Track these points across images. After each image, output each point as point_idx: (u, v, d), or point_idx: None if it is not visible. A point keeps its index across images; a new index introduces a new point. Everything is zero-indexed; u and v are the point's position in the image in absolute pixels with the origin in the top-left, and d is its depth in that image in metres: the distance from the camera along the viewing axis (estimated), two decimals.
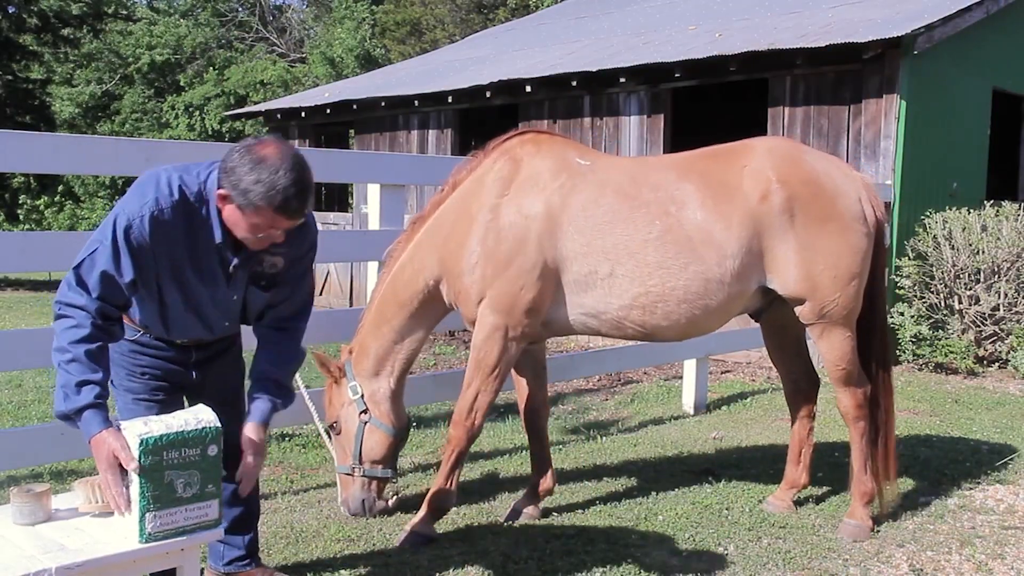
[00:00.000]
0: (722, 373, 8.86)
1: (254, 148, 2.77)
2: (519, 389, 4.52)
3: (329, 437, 4.46)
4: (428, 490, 4.19)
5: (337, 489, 4.42)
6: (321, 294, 14.55)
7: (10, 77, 21.03)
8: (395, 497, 4.44)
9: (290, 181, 2.72)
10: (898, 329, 8.84)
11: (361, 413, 4.19)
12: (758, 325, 4.70)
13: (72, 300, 2.75)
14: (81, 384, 2.64)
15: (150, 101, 31.81)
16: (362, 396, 4.20)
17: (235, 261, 2.96)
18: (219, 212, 2.85)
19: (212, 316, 3.08)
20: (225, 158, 2.80)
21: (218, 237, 2.88)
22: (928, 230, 9.18)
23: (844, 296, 4.14)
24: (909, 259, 9.10)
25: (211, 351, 3.24)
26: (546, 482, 4.46)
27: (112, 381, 3.02)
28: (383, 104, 13.89)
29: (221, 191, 2.79)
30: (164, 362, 3.13)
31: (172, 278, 2.92)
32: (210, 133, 29.98)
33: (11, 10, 20.76)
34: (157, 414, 2.78)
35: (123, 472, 2.58)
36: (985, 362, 8.96)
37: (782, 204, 4.04)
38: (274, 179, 2.71)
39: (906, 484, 5.05)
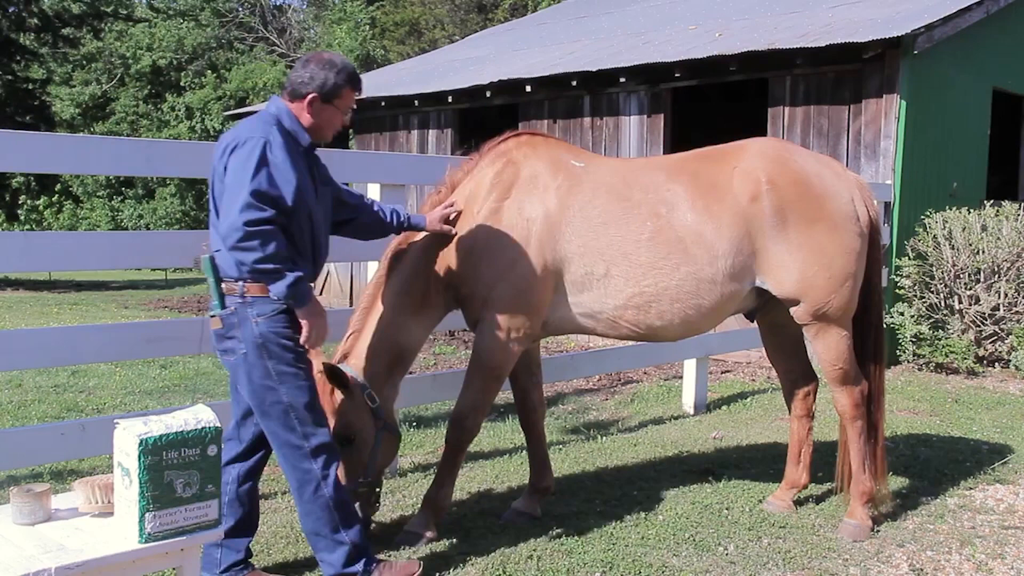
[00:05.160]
0: (722, 373, 8.86)
1: (309, 58, 3.44)
2: (515, 389, 4.51)
3: None
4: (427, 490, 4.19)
5: None
6: (321, 294, 14.56)
7: (10, 77, 21.03)
8: (377, 503, 4.16)
9: (347, 62, 3.47)
10: (898, 329, 8.85)
11: (377, 421, 3.89)
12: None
13: (257, 217, 3.10)
14: (288, 271, 3.16)
15: (145, 103, 31.80)
16: (379, 404, 3.89)
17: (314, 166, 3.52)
18: (296, 122, 3.36)
19: (321, 227, 3.47)
20: (290, 79, 3.41)
21: (305, 140, 3.40)
22: (928, 230, 9.18)
23: (839, 296, 4.15)
24: (909, 259, 9.10)
25: None
26: (544, 481, 4.46)
27: (277, 377, 3.24)
28: (383, 104, 13.89)
29: (310, 95, 3.35)
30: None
31: (298, 182, 3.27)
32: (211, 134, 30.00)
33: (11, 10, 20.76)
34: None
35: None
36: (985, 362, 8.96)
37: (772, 205, 4.05)
38: (342, 64, 3.42)
39: (906, 484, 5.05)
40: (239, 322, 3.25)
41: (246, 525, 3.49)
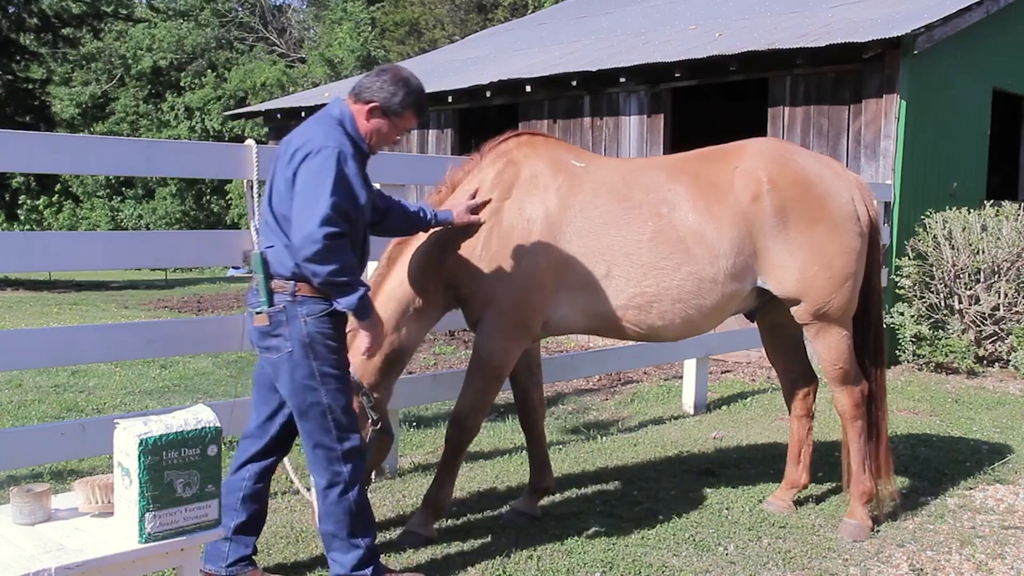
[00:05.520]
0: (722, 373, 8.86)
1: (386, 69, 3.45)
2: (515, 389, 4.50)
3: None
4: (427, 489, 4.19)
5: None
6: None
7: (10, 77, 21.03)
8: None
9: (420, 86, 3.45)
10: (898, 329, 8.85)
11: (370, 422, 3.86)
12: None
13: (335, 231, 3.12)
14: (358, 284, 3.22)
15: (145, 103, 31.82)
16: (374, 404, 3.89)
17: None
18: (356, 128, 3.36)
19: (368, 232, 3.52)
20: (360, 82, 3.42)
21: (365, 148, 3.41)
22: (928, 230, 9.18)
23: (839, 296, 4.15)
24: (909, 259, 9.10)
25: None
26: (544, 481, 4.46)
27: (320, 378, 3.27)
28: None
29: (373, 103, 3.35)
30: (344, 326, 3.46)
31: (367, 195, 3.35)
32: (211, 133, 30.02)
33: (11, 10, 20.76)
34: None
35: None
36: (985, 362, 8.96)
37: (773, 205, 4.05)
38: (415, 87, 3.41)
39: (906, 484, 5.05)
40: (287, 320, 3.26)
41: (255, 522, 3.53)
